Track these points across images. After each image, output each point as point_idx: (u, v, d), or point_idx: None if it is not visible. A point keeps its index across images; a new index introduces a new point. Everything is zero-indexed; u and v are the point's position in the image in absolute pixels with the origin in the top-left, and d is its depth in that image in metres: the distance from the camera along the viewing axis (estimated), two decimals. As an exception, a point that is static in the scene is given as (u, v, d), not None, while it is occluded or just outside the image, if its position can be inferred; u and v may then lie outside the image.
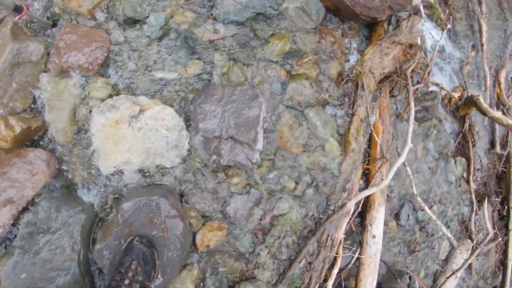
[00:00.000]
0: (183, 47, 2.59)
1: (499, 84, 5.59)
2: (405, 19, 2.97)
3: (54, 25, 2.58)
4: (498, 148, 5.38)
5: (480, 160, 5.16)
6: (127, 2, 2.60)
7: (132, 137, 2.32)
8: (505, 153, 5.45)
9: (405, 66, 2.85)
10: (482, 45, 5.39)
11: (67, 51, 2.46)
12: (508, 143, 5.77)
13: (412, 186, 2.95)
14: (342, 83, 2.68)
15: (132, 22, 2.61)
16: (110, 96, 2.50)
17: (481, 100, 3.94)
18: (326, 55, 2.75)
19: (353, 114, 2.65)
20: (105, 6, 2.61)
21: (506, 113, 5.70)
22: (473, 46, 5.28)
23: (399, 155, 2.84)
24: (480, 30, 5.44)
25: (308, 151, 2.59)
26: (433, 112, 3.65)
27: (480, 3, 5.63)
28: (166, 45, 2.63)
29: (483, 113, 3.90)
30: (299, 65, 2.56)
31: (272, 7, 2.67)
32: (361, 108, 2.67)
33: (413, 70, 3.33)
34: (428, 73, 3.36)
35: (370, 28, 3.05)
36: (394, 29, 2.99)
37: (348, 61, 2.92)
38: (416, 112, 3.60)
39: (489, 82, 5.31)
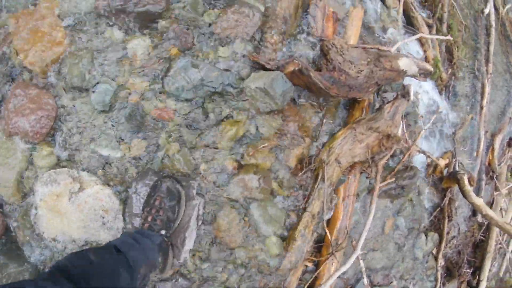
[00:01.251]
0: (130, 123, 2.38)
1: (493, 149, 5.24)
2: (390, 101, 2.60)
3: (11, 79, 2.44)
4: (479, 217, 5.09)
5: (459, 228, 4.87)
6: (75, 68, 2.39)
7: (72, 212, 2.37)
8: (486, 222, 5.14)
9: (378, 158, 2.51)
10: (482, 107, 5.02)
11: (15, 116, 2.37)
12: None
13: (363, 277, 2.65)
14: (300, 174, 2.35)
15: (80, 89, 2.40)
16: (56, 165, 2.41)
17: (465, 180, 3.61)
18: (288, 140, 2.42)
19: (304, 209, 2.33)
20: (56, 69, 2.43)
21: (496, 180, 5.40)
22: (472, 108, 4.90)
23: (353, 249, 2.54)
24: (482, 92, 5.06)
25: (247, 246, 2.30)
26: (409, 190, 3.31)
27: (487, 62, 5.23)
28: (113, 118, 2.41)
29: (464, 195, 3.57)
30: (251, 155, 2.24)
31: (231, 85, 2.34)
32: (316, 203, 2.35)
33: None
34: (409, 155, 3.00)
35: (349, 106, 2.69)
36: (375, 112, 2.63)
37: (315, 142, 2.56)
38: (391, 189, 3.26)
39: (482, 147, 4.95)
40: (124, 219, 2.40)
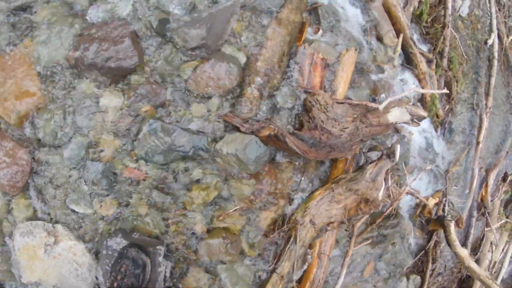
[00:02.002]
0: (102, 181, 2.35)
1: (487, 185, 5.06)
2: (373, 162, 2.42)
3: None
4: (468, 251, 4.92)
5: (445, 264, 4.72)
6: (48, 125, 2.35)
7: (48, 263, 2.44)
8: (475, 257, 4.98)
9: (354, 220, 2.34)
10: (478, 143, 4.83)
11: (-10, 168, 2.24)
12: (481, 247, 5.35)
13: None
14: (272, 235, 2.18)
15: (53, 146, 2.38)
16: (33, 215, 2.47)
17: (452, 228, 3.44)
18: (261, 203, 2.25)
19: (274, 270, 2.17)
20: (31, 122, 2.40)
21: (488, 216, 5.25)
22: (468, 144, 4.71)
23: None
24: (480, 126, 4.86)
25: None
26: (392, 238, 3.15)
27: (487, 95, 5.02)
28: (86, 176, 2.40)
29: (449, 244, 3.41)
30: (221, 219, 2.08)
31: (203, 149, 2.19)
32: (286, 264, 2.20)
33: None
34: (395, 215, 2.83)
35: (330, 164, 2.51)
36: (356, 171, 2.45)
37: (291, 202, 2.40)
38: (372, 236, 3.10)
39: (475, 184, 4.77)
40: (96, 276, 2.41)
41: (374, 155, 2.71)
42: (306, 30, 2.60)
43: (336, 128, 2.20)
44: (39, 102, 2.38)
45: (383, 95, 3.06)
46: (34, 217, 2.48)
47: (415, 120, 3.12)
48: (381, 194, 2.52)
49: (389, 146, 2.53)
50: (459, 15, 5.01)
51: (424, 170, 3.40)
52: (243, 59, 2.34)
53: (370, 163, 2.52)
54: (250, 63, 2.33)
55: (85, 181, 2.39)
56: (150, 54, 2.34)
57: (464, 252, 3.36)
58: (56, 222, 2.46)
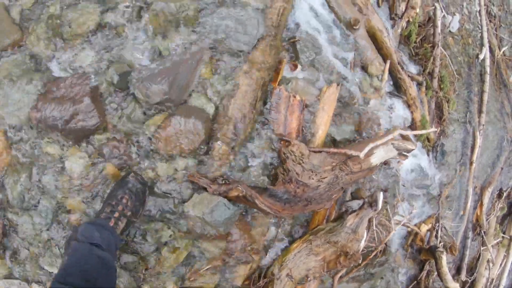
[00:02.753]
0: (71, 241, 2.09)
1: (482, 205, 4.86)
2: (354, 212, 2.21)
3: None
4: (463, 275, 4.75)
5: (440, 288, 4.52)
6: (15, 188, 2.26)
7: None
8: (470, 279, 4.80)
9: (334, 271, 2.13)
10: (471, 163, 4.63)
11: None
12: (477, 267, 5.18)
13: None
14: (248, 291, 1.98)
15: (22, 208, 2.29)
16: (10, 274, 2.38)
17: (443, 260, 3.24)
18: (235, 260, 2.04)
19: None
20: (1, 182, 2.31)
21: (483, 235, 5.06)
22: (461, 165, 4.50)
23: None
24: (473, 145, 4.65)
25: None
26: (380, 274, 2.93)
27: (480, 112, 4.81)
28: (56, 238, 2.31)
29: (440, 277, 3.22)
30: (192, 280, 1.89)
31: (170, 212, 2.00)
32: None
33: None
34: (383, 252, 2.63)
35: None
36: (337, 220, 2.24)
37: (267, 255, 2.19)
38: (359, 275, 2.89)
39: (469, 204, 4.57)
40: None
41: (355, 204, 2.50)
42: (283, 69, 2.38)
43: (313, 179, 1.99)
44: (6, 163, 2.29)
45: (368, 131, 2.83)
46: (10, 276, 2.40)
47: (403, 153, 2.91)
48: (362, 245, 2.31)
49: (371, 194, 2.31)
50: (449, 31, 4.80)
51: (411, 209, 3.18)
52: (211, 110, 2.14)
53: (351, 213, 2.31)
54: (219, 114, 2.12)
55: (56, 244, 2.31)
56: (113, 112, 2.15)
57: (456, 286, 3.16)
58: (32, 281, 2.38)
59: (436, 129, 3.23)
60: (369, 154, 2.31)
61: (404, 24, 3.97)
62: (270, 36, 2.37)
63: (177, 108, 2.16)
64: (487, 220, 4.94)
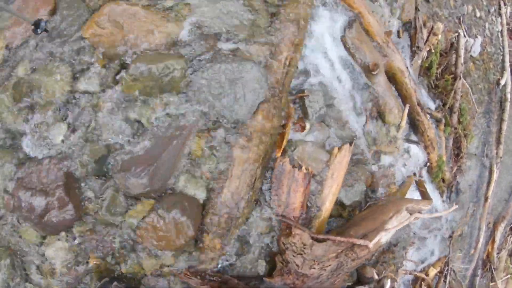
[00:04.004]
0: None
1: (493, 241, 4.43)
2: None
3: None
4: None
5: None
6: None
7: None
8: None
9: None
10: (486, 198, 4.18)
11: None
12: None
13: None
14: None
15: None
16: None
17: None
18: None
19: None
20: None
21: (493, 271, 4.67)
22: (475, 202, 4.06)
23: None
24: (489, 180, 4.20)
25: None
26: None
27: (498, 143, 4.34)
28: None
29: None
30: None
31: None
32: None
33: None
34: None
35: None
36: None
37: None
38: None
39: (481, 241, 4.15)
40: None
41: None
42: (288, 132, 1.93)
43: (315, 268, 1.61)
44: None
45: (381, 189, 2.39)
46: None
47: (417, 213, 2.48)
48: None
49: (377, 279, 1.89)
50: (471, 55, 4.28)
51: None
52: (202, 195, 1.72)
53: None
54: (211, 201, 1.68)
55: None
56: (91, 201, 1.71)
57: None
58: None
59: (457, 206, 2.80)
60: (377, 233, 1.87)
61: (425, 54, 3.47)
62: (275, 96, 1.92)
63: (162, 199, 1.73)
64: (498, 256, 4.52)
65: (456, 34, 3.73)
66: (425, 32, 3.49)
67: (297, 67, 2.12)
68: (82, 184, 1.85)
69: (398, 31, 3.04)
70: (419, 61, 3.38)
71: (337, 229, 2.07)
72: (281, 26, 2.02)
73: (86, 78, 1.85)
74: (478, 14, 4.58)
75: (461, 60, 3.68)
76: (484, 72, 4.46)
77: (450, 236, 3.80)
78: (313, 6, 2.14)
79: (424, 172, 3.47)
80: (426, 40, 3.44)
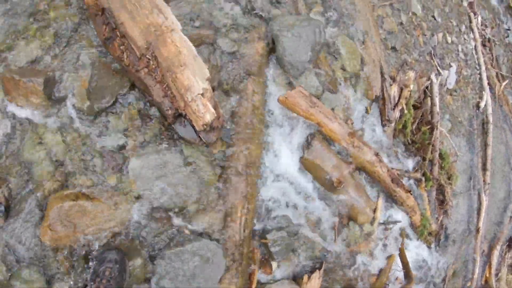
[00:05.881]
0: None
1: (490, 266, 4.33)
2: None
3: None
4: None
5: None
6: None
7: None
8: None
9: None
10: (478, 229, 4.04)
11: None
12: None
13: None
14: None
15: None
16: None
17: None
18: None
19: None
20: None
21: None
22: (468, 235, 3.93)
23: None
24: (479, 210, 4.05)
25: None
26: None
27: (484, 170, 4.17)
28: None
29: None
30: None
31: None
32: None
33: None
34: None
35: None
36: None
37: None
38: None
39: (477, 273, 4.04)
40: None
41: None
42: (255, 280, 1.78)
43: None
44: None
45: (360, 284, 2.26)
46: None
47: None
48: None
49: None
50: (447, 88, 4.05)
51: None
52: None
53: None
54: None
55: None
56: None
57: None
58: None
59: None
60: None
61: (397, 115, 3.26)
62: (235, 261, 1.76)
63: None
64: (496, 278, 4.41)
65: (429, 81, 3.49)
66: (395, 89, 3.26)
67: (253, 217, 1.94)
68: None
69: (366, 108, 2.82)
70: (391, 129, 3.17)
71: None
72: (231, 184, 1.85)
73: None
74: (449, 40, 4.31)
75: (437, 108, 3.46)
76: (462, 99, 4.23)
77: (443, 280, 3.68)
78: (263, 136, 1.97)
79: (408, 230, 3.32)
80: (397, 103, 3.21)
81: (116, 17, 1.83)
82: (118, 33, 1.82)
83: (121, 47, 1.81)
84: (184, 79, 1.70)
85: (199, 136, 1.80)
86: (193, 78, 1.71)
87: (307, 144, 2.14)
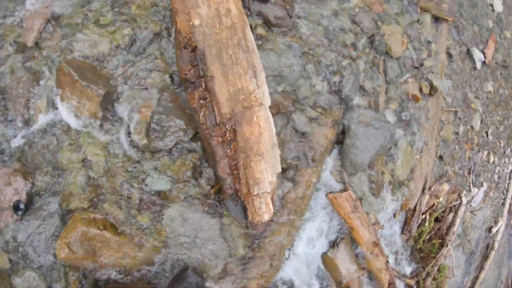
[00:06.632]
0: None
1: None
2: None
3: None
4: None
5: None
6: None
7: None
8: None
9: None
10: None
11: None
12: None
13: None
14: None
15: None
16: None
17: None
18: None
19: None
20: None
21: None
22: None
23: None
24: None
25: None
26: None
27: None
28: None
29: None
30: None
31: None
32: None
33: None
34: None
35: None
36: None
37: None
38: None
39: None
40: None
41: None
42: None
43: None
44: None
45: None
46: None
47: None
48: None
49: None
50: (470, 205, 4.05)
51: None
52: None
53: None
54: None
55: None
56: None
57: None
58: None
59: None
60: None
61: (414, 226, 3.27)
62: None
63: None
64: None
65: (458, 201, 3.49)
66: (425, 199, 3.27)
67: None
68: None
69: (395, 213, 2.83)
70: (407, 238, 3.18)
71: None
72: (255, 260, 1.85)
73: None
74: (491, 159, 4.29)
75: (455, 228, 3.46)
76: (479, 220, 4.23)
77: None
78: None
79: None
80: (423, 212, 3.22)
81: (207, 66, 1.67)
82: (203, 83, 1.70)
83: (201, 101, 1.71)
84: (257, 171, 1.64)
85: (248, 222, 1.78)
86: (266, 172, 1.66)
87: (334, 245, 2.15)
